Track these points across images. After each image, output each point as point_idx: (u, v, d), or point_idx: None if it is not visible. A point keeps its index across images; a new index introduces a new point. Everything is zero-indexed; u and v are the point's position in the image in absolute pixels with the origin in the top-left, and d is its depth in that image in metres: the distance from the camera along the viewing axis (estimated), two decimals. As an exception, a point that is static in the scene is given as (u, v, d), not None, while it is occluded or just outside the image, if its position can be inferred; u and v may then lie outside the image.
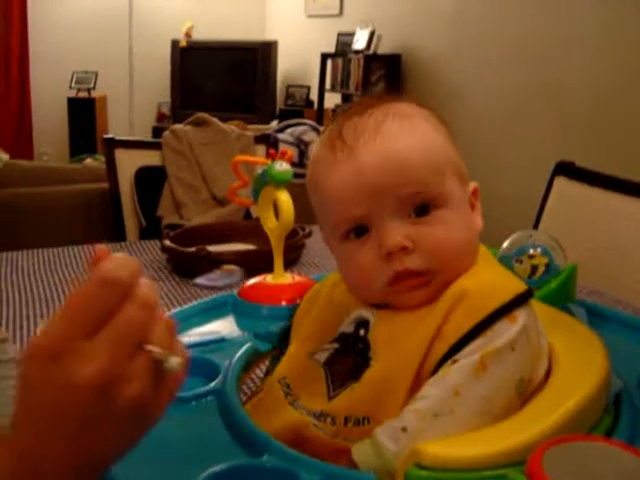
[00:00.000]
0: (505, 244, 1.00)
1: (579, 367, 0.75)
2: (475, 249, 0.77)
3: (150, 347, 0.54)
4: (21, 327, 1.42)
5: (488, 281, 0.74)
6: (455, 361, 0.68)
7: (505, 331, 0.69)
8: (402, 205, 0.73)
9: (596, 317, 0.95)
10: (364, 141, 0.74)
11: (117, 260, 0.54)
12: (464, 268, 0.75)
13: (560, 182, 2.09)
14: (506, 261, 0.96)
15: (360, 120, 0.76)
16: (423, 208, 0.73)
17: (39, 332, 0.54)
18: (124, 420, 0.55)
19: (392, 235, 0.72)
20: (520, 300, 0.72)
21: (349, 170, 0.74)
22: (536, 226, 2.09)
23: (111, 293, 0.53)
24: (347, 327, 0.78)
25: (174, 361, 0.55)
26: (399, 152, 0.73)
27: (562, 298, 0.95)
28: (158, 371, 0.55)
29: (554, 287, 0.95)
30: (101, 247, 0.55)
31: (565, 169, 2.09)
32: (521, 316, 0.71)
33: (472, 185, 0.80)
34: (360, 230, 0.75)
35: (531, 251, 0.98)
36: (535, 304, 0.77)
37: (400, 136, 0.74)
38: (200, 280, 0.67)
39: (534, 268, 0.97)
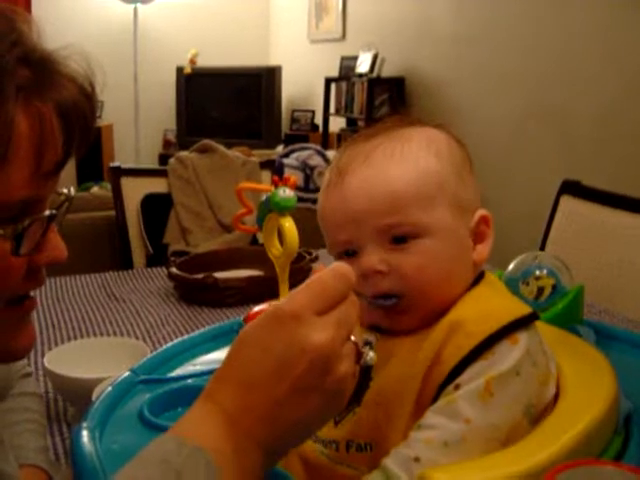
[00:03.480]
0: (511, 266, 0.99)
1: (587, 390, 0.74)
2: (462, 280, 0.76)
3: (357, 339, 0.62)
4: (29, 355, 1.41)
5: (489, 306, 0.74)
6: (458, 386, 0.68)
7: (507, 353, 0.69)
8: (382, 232, 0.74)
9: (604, 337, 0.94)
10: (353, 169, 0.76)
11: (345, 265, 0.63)
12: (446, 298, 0.74)
13: (566, 201, 2.09)
14: (512, 283, 0.95)
15: (359, 146, 0.78)
16: (402, 237, 0.74)
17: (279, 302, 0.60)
18: (325, 398, 0.59)
19: (368, 258, 0.74)
20: (522, 322, 0.71)
21: (337, 196, 0.76)
22: (543, 246, 2.09)
23: (342, 286, 0.61)
24: None
25: (372, 355, 0.62)
26: (382, 181, 0.74)
27: (569, 319, 0.94)
28: (355, 359, 0.62)
29: (561, 308, 0.95)
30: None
31: (571, 188, 2.09)
32: (523, 338, 0.70)
33: (479, 213, 0.78)
34: (350, 252, 0.77)
35: (537, 272, 0.97)
36: (542, 326, 0.77)
37: (388, 164, 0.75)
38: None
39: (540, 290, 0.96)
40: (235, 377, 0.59)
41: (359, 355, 0.62)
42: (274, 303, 0.61)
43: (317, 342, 0.57)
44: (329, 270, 0.62)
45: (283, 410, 0.57)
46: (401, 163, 0.75)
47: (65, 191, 0.73)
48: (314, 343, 0.57)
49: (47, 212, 0.67)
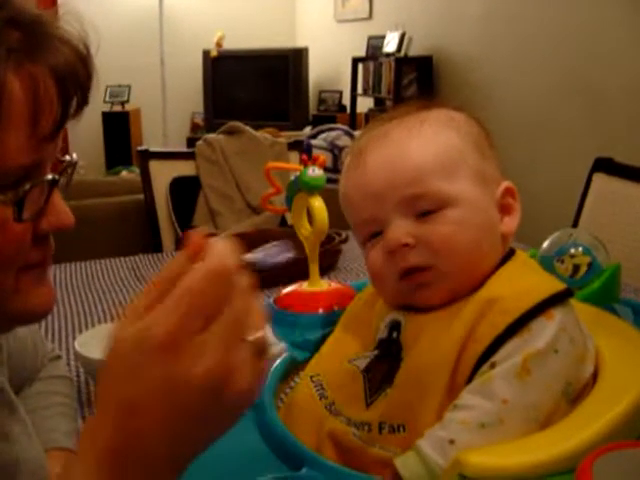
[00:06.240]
0: (545, 244, 0.97)
1: (626, 370, 0.72)
2: (492, 251, 0.76)
3: (256, 336, 0.52)
4: (60, 340, 1.42)
5: (522, 283, 0.73)
6: (493, 364, 0.67)
7: (543, 329, 0.68)
8: (406, 206, 0.74)
9: (642, 317, 0.92)
10: (371, 149, 0.76)
11: (219, 250, 0.53)
12: (477, 269, 0.74)
13: (599, 179, 2.05)
14: (547, 261, 0.93)
15: (376, 128, 0.78)
16: (427, 211, 0.73)
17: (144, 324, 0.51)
18: (228, 413, 0.53)
19: (393, 233, 0.73)
20: (556, 299, 0.70)
21: (357, 176, 0.77)
22: (575, 224, 2.06)
23: (221, 287, 0.51)
24: (382, 333, 0.78)
25: (280, 346, 0.55)
26: (402, 156, 0.74)
27: (606, 298, 0.92)
28: (258, 358, 0.53)
29: (597, 287, 0.93)
30: (195, 233, 0.54)
31: (604, 165, 2.05)
32: (558, 314, 0.69)
33: (503, 185, 0.78)
34: (375, 234, 0.77)
35: (572, 250, 0.95)
36: (578, 304, 0.75)
37: (406, 140, 0.75)
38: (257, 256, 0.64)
39: (576, 268, 0.94)
40: (117, 418, 0.51)
41: (262, 348, 0.53)
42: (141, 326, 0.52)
43: (203, 374, 0.50)
44: (201, 276, 0.51)
45: (179, 440, 0.52)
46: (419, 138, 0.75)
47: (68, 158, 0.72)
48: (199, 376, 0.50)
49: (49, 176, 0.65)
